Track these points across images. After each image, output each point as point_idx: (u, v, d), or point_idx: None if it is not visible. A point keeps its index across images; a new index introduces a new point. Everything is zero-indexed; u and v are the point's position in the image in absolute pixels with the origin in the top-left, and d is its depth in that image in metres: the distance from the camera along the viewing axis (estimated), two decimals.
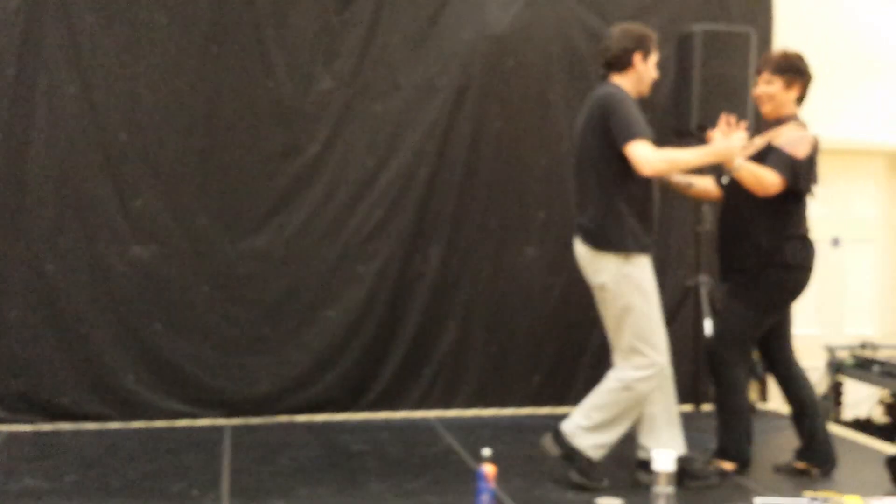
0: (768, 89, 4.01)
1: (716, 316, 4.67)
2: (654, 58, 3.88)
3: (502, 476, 3.58)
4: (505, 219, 5.22)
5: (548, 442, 3.86)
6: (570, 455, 3.80)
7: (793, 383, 4.09)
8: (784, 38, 5.36)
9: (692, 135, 4.92)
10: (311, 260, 5.01)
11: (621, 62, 3.83)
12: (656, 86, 4.04)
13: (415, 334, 5.12)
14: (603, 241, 3.75)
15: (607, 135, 3.70)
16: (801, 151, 3.87)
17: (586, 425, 3.79)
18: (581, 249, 3.86)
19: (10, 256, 4.69)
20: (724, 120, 3.95)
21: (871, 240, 6.58)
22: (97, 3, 4.71)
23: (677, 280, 5.29)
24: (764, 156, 3.91)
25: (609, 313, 3.83)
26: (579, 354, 5.30)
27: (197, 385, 4.87)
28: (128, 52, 4.75)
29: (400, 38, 5.06)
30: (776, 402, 5.18)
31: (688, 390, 5.13)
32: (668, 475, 2.98)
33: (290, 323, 4.99)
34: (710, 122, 4.44)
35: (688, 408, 5.15)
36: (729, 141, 3.82)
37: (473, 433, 4.72)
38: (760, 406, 5.35)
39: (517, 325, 5.25)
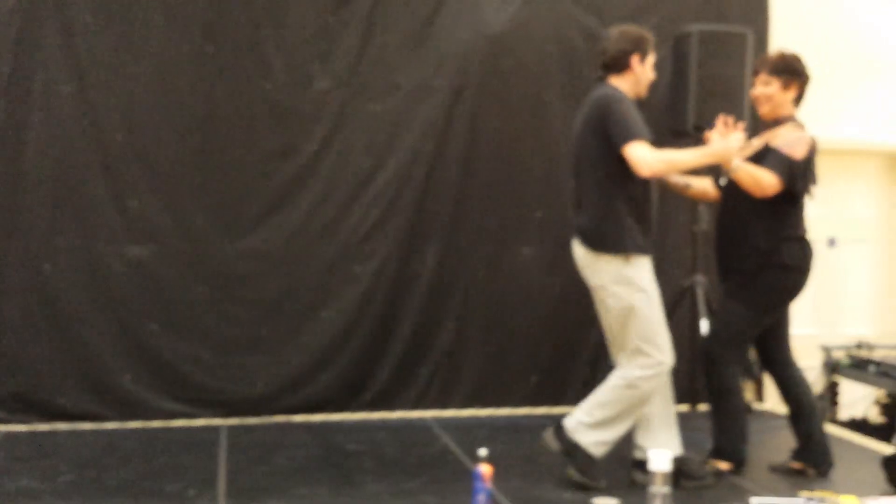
0: (766, 90, 4.01)
1: (712, 316, 4.68)
2: (651, 59, 3.89)
3: (499, 476, 3.59)
4: (502, 218, 5.22)
5: (549, 437, 3.86)
6: (571, 451, 3.80)
7: (790, 383, 4.10)
8: (783, 39, 5.35)
9: (689, 135, 4.92)
10: (308, 260, 5.01)
11: (619, 64, 3.83)
12: (653, 86, 4.04)
13: (412, 334, 5.12)
14: (601, 243, 3.75)
15: (606, 136, 3.70)
16: (798, 152, 3.87)
17: (588, 422, 3.80)
18: (579, 251, 3.86)
19: (6, 256, 4.68)
20: (722, 121, 3.96)
21: (868, 240, 6.59)
22: (94, 3, 4.70)
23: (673, 280, 5.28)
24: (761, 157, 3.92)
25: (610, 315, 3.83)
26: (577, 354, 5.30)
27: (194, 385, 4.87)
28: (124, 51, 4.74)
29: (397, 38, 5.06)
30: (772, 401, 5.19)
31: (684, 390, 5.12)
32: (665, 475, 3.00)
33: (287, 323, 4.99)
34: (707, 122, 4.45)
35: (684, 408, 5.16)
36: (726, 142, 3.82)
37: (470, 433, 4.72)
38: (756, 406, 5.35)
39: (514, 325, 5.25)
